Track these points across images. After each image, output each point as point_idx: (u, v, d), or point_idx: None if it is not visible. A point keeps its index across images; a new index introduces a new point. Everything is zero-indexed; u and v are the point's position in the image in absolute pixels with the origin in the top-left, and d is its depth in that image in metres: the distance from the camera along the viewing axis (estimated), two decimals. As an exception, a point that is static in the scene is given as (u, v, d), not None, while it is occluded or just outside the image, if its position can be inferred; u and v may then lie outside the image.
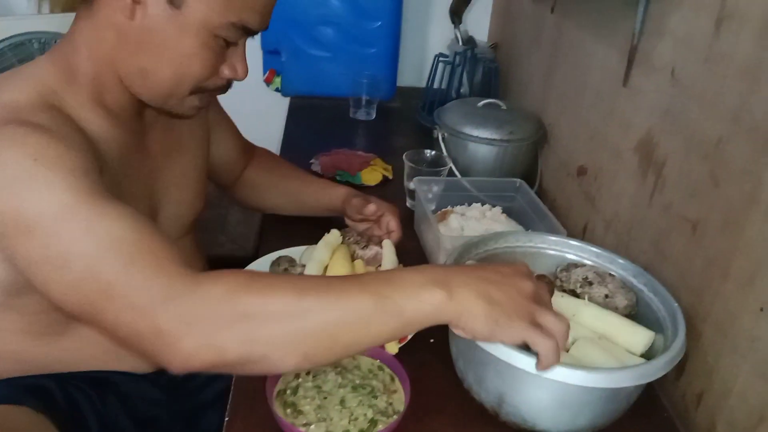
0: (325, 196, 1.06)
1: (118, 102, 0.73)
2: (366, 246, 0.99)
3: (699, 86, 0.80)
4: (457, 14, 1.74)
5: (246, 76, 0.74)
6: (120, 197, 0.62)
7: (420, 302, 0.57)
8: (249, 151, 1.10)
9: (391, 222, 0.98)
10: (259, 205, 1.13)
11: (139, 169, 0.77)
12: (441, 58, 1.67)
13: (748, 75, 0.70)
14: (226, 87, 0.75)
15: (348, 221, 1.04)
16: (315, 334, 0.56)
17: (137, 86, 0.71)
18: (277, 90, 1.90)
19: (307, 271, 0.89)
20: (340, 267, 0.89)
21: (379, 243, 0.98)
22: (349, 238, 0.99)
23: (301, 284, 0.58)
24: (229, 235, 1.65)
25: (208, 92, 0.74)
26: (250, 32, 0.71)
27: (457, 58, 1.64)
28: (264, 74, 1.88)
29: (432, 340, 0.86)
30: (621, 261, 0.85)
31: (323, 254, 0.92)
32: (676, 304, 0.76)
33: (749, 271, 0.69)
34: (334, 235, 0.96)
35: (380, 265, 0.94)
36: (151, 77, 0.69)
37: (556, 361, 0.61)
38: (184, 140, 0.87)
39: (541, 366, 0.61)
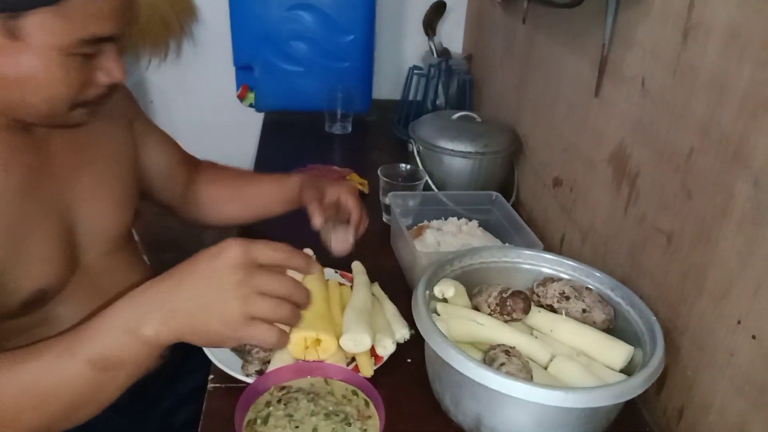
0: (280, 191, 1.02)
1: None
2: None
3: (668, 97, 0.79)
4: (430, 26, 1.74)
5: (124, 76, 0.70)
6: (20, 217, 0.61)
7: (130, 355, 0.59)
8: (190, 164, 1.05)
9: (348, 201, 0.95)
10: (216, 221, 1.08)
11: (39, 185, 0.74)
12: (415, 71, 1.67)
13: (715, 86, 0.70)
14: (111, 91, 0.72)
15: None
16: (58, 419, 0.60)
17: (14, 114, 0.69)
18: (251, 105, 1.87)
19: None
20: (314, 288, 0.87)
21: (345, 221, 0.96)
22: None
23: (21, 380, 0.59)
24: (204, 254, 1.63)
25: (94, 102, 0.71)
26: (108, 39, 0.66)
27: (432, 70, 1.63)
28: (237, 90, 1.86)
29: (409, 360, 0.85)
30: (598, 274, 0.85)
31: (297, 275, 0.90)
32: (654, 318, 0.75)
33: (724, 284, 0.69)
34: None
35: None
36: (22, 108, 0.67)
37: (285, 343, 0.64)
38: (98, 150, 0.83)
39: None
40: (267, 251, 0.61)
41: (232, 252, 0.59)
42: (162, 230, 1.93)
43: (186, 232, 1.85)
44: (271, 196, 1.03)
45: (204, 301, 0.59)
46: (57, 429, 0.62)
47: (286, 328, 0.79)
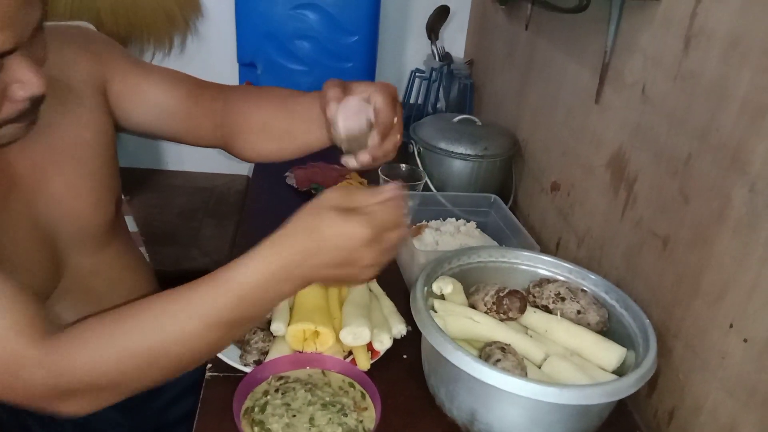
0: (316, 117, 0.78)
1: None
2: None
3: (669, 103, 0.81)
4: (433, 30, 1.75)
5: (42, 85, 0.59)
6: None
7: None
8: (204, 89, 0.88)
9: (378, 100, 0.73)
10: (255, 157, 0.91)
11: (6, 204, 0.69)
12: (417, 74, 1.68)
13: (715, 93, 0.71)
14: (35, 103, 0.62)
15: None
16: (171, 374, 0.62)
17: None
18: (253, 103, 1.88)
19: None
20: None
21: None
22: None
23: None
24: (202, 248, 1.63)
25: (19, 119, 0.62)
26: (9, 52, 0.57)
27: (434, 74, 1.65)
28: (240, 87, 1.88)
29: (405, 356, 0.85)
30: (593, 277, 0.86)
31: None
32: (648, 321, 0.76)
33: (718, 288, 0.70)
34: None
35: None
36: None
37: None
38: (64, 152, 0.76)
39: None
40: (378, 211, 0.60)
41: (359, 231, 0.59)
42: (160, 223, 1.94)
43: (183, 228, 1.86)
44: (306, 126, 0.81)
45: (339, 272, 0.61)
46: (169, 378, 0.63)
47: (284, 325, 0.80)
